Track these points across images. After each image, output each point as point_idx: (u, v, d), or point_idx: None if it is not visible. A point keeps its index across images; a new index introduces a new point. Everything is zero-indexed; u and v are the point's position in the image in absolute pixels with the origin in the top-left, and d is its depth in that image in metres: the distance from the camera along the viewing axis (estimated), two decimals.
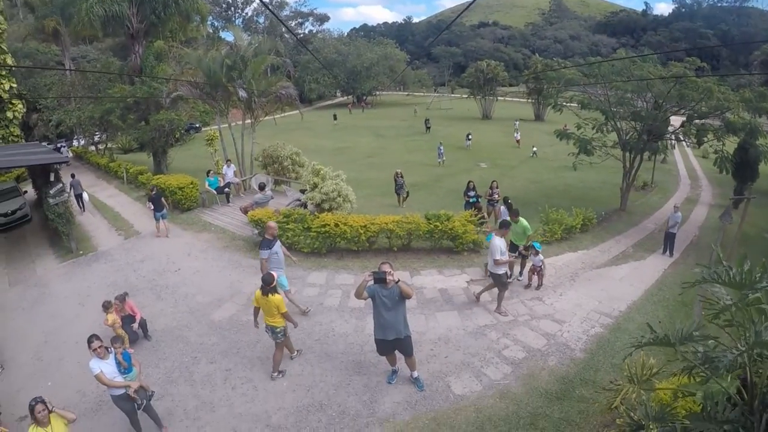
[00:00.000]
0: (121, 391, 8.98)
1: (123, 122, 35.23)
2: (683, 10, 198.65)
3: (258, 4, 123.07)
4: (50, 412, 7.66)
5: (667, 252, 21.06)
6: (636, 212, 28.01)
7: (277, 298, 10.67)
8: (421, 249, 18.65)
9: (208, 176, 25.74)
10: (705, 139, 25.42)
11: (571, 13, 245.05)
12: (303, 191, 22.15)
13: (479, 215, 19.89)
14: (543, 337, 12.90)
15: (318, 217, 18.08)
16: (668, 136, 27.10)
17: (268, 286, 10.62)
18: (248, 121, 30.10)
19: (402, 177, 27.73)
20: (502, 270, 13.60)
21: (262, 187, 21.44)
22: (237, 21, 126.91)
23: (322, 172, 21.14)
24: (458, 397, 10.46)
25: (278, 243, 13.34)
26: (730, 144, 26.77)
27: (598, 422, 9.82)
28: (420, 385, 10.77)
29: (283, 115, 57.11)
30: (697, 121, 25.71)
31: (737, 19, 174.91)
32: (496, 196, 22.91)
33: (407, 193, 28.10)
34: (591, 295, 15.67)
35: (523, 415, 10.00)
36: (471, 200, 22.78)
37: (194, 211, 24.37)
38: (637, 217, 27.07)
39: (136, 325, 12.74)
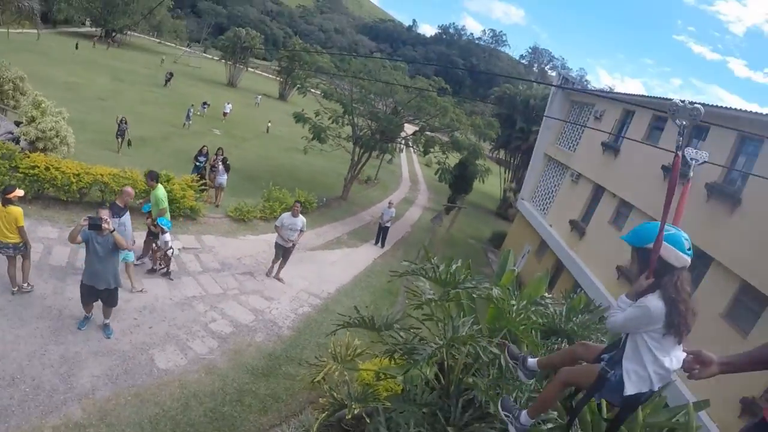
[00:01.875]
0: None
1: None
2: (444, 36, 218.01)
3: None
4: None
5: (379, 243, 22.83)
6: (356, 203, 29.58)
7: (16, 210, 10.36)
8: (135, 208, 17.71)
9: None
10: (431, 150, 27.65)
11: (344, 8, 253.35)
12: (18, 124, 20.00)
13: (202, 182, 19.60)
14: (251, 313, 13.12)
15: (28, 157, 16.01)
16: (399, 140, 29.02)
17: (6, 195, 10.21)
18: None
19: (126, 123, 27.23)
20: None
21: None
22: None
23: (43, 105, 19.29)
24: (162, 371, 10.14)
25: (127, 213, 11.89)
26: (453, 158, 29.46)
27: (304, 399, 10.25)
28: (108, 332, 10.61)
29: (20, 31, 51.77)
30: (428, 132, 27.88)
31: (488, 57, 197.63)
32: (220, 165, 22.59)
33: (129, 142, 27.68)
34: (302, 275, 16.25)
35: (229, 391, 10.06)
36: (198, 164, 22.33)
37: None
38: (356, 207, 28.78)
39: None
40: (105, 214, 9.63)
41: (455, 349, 6.57)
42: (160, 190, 13.20)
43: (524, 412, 4.53)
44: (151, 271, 13.59)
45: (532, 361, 4.87)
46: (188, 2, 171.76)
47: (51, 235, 14.29)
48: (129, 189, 12.21)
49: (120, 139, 27.34)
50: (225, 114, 50.89)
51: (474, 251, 29.33)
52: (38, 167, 15.49)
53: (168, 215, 13.52)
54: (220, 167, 21.06)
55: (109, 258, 9.85)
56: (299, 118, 28.21)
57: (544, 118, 29.75)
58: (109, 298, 10.35)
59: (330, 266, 17.69)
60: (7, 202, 10.29)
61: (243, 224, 19.49)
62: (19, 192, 10.76)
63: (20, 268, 10.96)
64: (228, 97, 59.06)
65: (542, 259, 24.97)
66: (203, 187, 19.41)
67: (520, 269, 25.43)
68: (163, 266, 13.71)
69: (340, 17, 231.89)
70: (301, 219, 15.54)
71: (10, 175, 15.31)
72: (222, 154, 22.05)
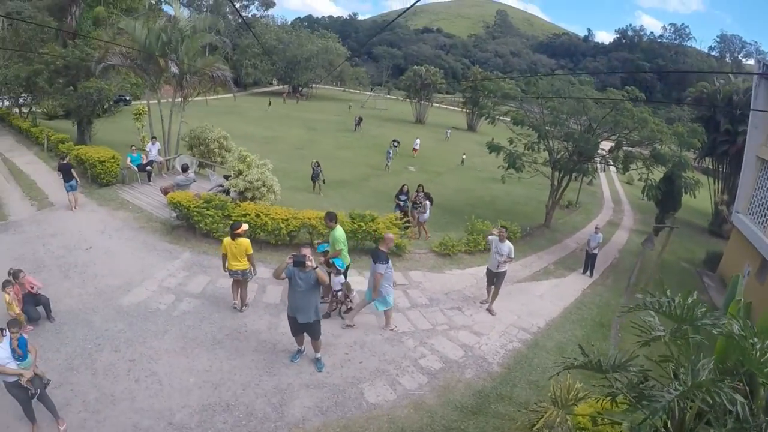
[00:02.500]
0: (14, 379, 8.28)
1: (50, 86, 33.41)
2: (624, 41, 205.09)
3: None
4: None
5: (588, 272, 21.37)
6: (560, 230, 28.39)
7: (245, 241, 12.47)
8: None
9: (130, 152, 24.68)
10: (632, 166, 25.92)
11: (515, 29, 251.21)
12: (227, 177, 21.37)
13: (405, 219, 19.70)
14: (461, 349, 12.74)
15: (239, 206, 17.53)
16: (597, 159, 27.53)
17: (235, 231, 12.40)
18: (179, 99, 29.09)
19: (319, 167, 30.22)
20: None
21: (185, 169, 20.63)
22: None
23: (248, 159, 20.48)
24: (371, 405, 10.13)
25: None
26: (658, 173, 27.40)
27: None
28: (320, 366, 10.98)
29: (216, 97, 56.07)
30: (626, 148, 26.22)
31: (674, 56, 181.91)
32: (426, 201, 22.62)
33: (323, 181, 30.46)
34: (511, 309, 15.64)
35: (437, 428, 9.78)
36: (400, 203, 22.49)
37: (113, 187, 23.16)
38: (560, 234, 27.47)
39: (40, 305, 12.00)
40: (308, 252, 9.98)
41: (691, 394, 5.82)
42: (339, 231, 13.08)
43: None
44: (326, 316, 12.80)
45: None
46: (364, 50, 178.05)
47: (264, 275, 15.18)
48: (390, 235, 13.15)
49: (315, 182, 30.17)
50: (415, 150, 51.51)
51: (687, 276, 26.65)
52: (249, 215, 16.92)
53: (347, 258, 13.44)
54: (426, 203, 21.18)
55: (311, 293, 10.24)
56: (493, 147, 27.65)
57: (750, 115, 26.44)
58: (312, 331, 10.70)
59: (538, 299, 16.97)
60: (236, 236, 12.35)
61: (448, 259, 19.22)
62: (245, 226, 12.84)
63: (241, 293, 13.07)
64: (417, 134, 60.11)
65: (766, 280, 21.97)
66: (407, 224, 19.49)
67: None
68: (334, 307, 13.49)
69: (514, 39, 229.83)
70: (508, 245, 15.10)
71: (224, 223, 16.92)
72: (423, 190, 22.16)
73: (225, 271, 12.84)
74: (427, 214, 21.24)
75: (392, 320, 13.27)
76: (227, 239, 12.50)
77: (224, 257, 12.63)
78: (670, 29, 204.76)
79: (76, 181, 20.06)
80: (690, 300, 6.06)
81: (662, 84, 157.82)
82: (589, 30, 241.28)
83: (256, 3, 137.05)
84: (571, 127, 26.94)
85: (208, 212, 17.32)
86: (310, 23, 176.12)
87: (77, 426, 9.01)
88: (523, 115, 27.78)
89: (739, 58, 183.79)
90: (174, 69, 26.23)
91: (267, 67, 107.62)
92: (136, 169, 24.22)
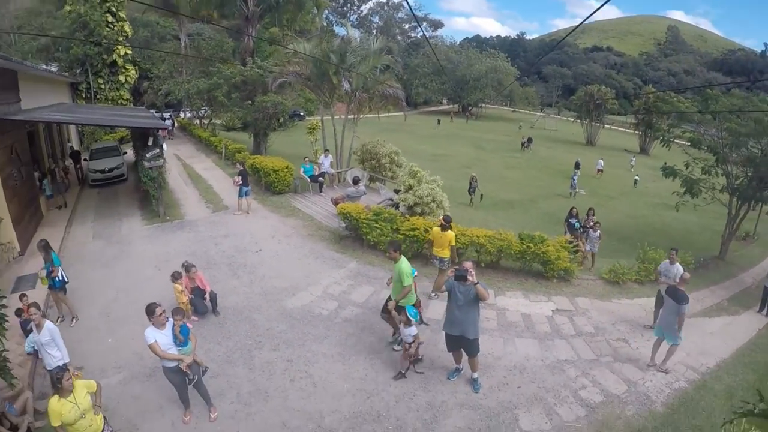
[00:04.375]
0: (173, 364, 8.74)
1: (228, 100, 35.79)
2: None
3: (374, 3, 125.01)
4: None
5: (765, 310, 19.43)
6: (735, 263, 26.36)
7: (451, 233, 14.39)
8: (510, 269, 17.89)
9: (304, 163, 25.74)
10: None
11: (688, 46, 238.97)
12: (397, 191, 21.83)
13: (575, 243, 19.06)
14: (624, 383, 12.01)
15: (408, 220, 17.67)
16: None
17: (448, 223, 14.22)
18: (351, 115, 29.96)
19: (476, 181, 32.38)
20: None
21: (356, 181, 21.22)
22: (352, 17, 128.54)
23: (419, 174, 20.66)
24: None
25: None
26: None
27: None
28: (476, 387, 10.76)
29: (387, 115, 57.34)
30: None
31: None
32: (592, 223, 21.82)
33: (481, 196, 32.29)
34: (680, 345, 14.72)
35: None
36: (574, 226, 21.85)
37: (285, 196, 24.49)
38: (736, 268, 25.33)
39: (207, 299, 12.73)
40: (470, 266, 9.83)
41: None
42: (404, 263, 11.20)
43: None
44: (399, 376, 10.98)
45: None
46: (533, 70, 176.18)
47: (428, 290, 15.31)
48: (687, 275, 13.20)
49: (472, 195, 32.12)
50: (600, 171, 51.27)
51: None
52: (418, 229, 17.08)
53: (414, 297, 11.51)
54: (592, 232, 20.37)
55: (469, 307, 10.02)
56: (668, 171, 26.19)
57: None
58: (469, 348, 10.48)
59: (709, 336, 15.72)
60: (446, 228, 14.17)
61: (617, 287, 18.31)
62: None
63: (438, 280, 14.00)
64: (585, 156, 58.56)
65: None
66: (576, 248, 18.84)
67: None
68: (408, 365, 11.09)
69: (687, 57, 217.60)
70: (678, 267, 14.51)
71: (392, 236, 17.12)
72: (593, 214, 21.51)
73: (430, 257, 15.05)
74: (595, 247, 20.40)
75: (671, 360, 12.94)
76: (437, 229, 14.50)
77: (431, 243, 14.79)
78: None
79: (249, 187, 21.29)
80: None
81: None
82: (766, 44, 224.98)
83: (425, 24, 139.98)
84: (752, 150, 25.05)
85: (376, 224, 17.69)
86: (478, 43, 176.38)
87: (228, 416, 9.46)
88: (700, 137, 26.19)
89: None
90: (346, 86, 27.10)
91: (437, 86, 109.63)
92: (309, 179, 25.28)
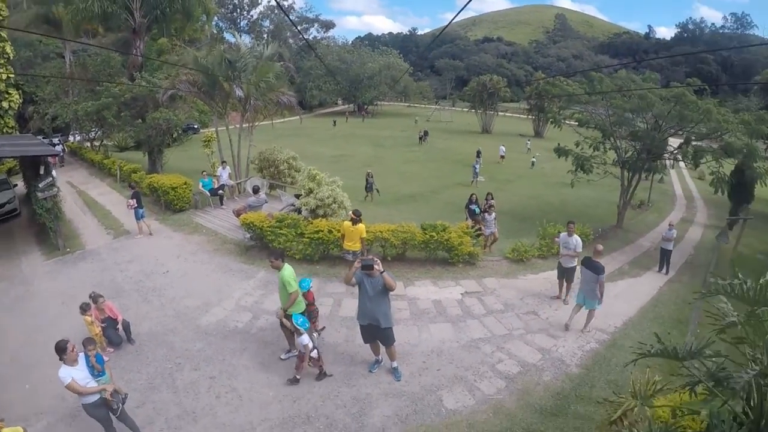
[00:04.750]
0: (95, 398, 8.54)
1: (118, 119, 34.64)
2: (685, 35, 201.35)
3: (264, 7, 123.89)
4: None
5: (663, 269, 20.97)
6: (632, 230, 27.81)
7: (361, 226, 15.38)
8: (416, 259, 18.28)
9: (201, 177, 25.39)
10: (702, 160, 25.19)
11: (575, 32, 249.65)
12: (298, 196, 21.67)
13: (476, 227, 19.61)
14: (538, 352, 12.58)
15: (311, 223, 17.75)
16: (666, 156, 26.87)
17: (358, 217, 15.28)
18: (246, 124, 29.72)
19: (372, 177, 32.50)
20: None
21: (256, 191, 21.01)
22: (242, 23, 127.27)
23: (318, 177, 20.65)
24: (450, 411, 10.11)
25: None
26: (727, 166, 26.54)
27: None
28: (397, 375, 11.05)
29: (282, 120, 57.16)
30: (695, 142, 25.50)
31: (737, 45, 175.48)
32: (491, 207, 22.59)
33: (377, 190, 32.24)
34: (599, 309, 15.41)
35: (517, 430, 9.69)
36: (474, 211, 22.38)
37: (186, 213, 24.06)
38: (633, 234, 26.97)
39: (120, 328, 12.43)
40: (376, 256, 10.33)
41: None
42: (286, 271, 10.82)
43: None
44: (292, 381, 10.82)
45: None
46: (426, 64, 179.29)
47: (338, 290, 15.59)
48: (601, 247, 14.28)
49: (369, 192, 32.14)
50: (502, 157, 53.33)
51: (765, 268, 25.50)
52: (322, 231, 17.20)
53: (301, 304, 11.30)
54: (489, 217, 20.58)
55: (379, 298, 10.23)
56: (560, 151, 27.47)
57: None
58: (384, 338, 10.72)
59: (614, 299, 16.46)
60: (356, 222, 15.24)
61: (521, 264, 19.02)
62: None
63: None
64: (482, 144, 60.17)
65: None
66: (479, 232, 19.38)
67: None
68: (314, 368, 10.94)
69: (575, 42, 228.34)
70: (576, 238, 15.34)
71: (297, 241, 17.37)
72: (492, 198, 22.15)
73: (342, 251, 16.34)
74: (493, 227, 20.59)
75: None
76: (348, 223, 15.55)
77: (343, 238, 15.86)
78: (731, 19, 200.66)
79: (142, 209, 21.07)
80: (762, 281, 5.87)
81: (727, 75, 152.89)
82: (649, 27, 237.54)
83: (316, 25, 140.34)
84: (637, 125, 26.38)
85: (281, 231, 17.73)
86: (370, 41, 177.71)
87: None
88: (588, 116, 27.44)
89: None
90: (239, 93, 26.66)
91: (331, 87, 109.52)
92: (208, 193, 24.95)
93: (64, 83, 42.61)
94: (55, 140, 47.44)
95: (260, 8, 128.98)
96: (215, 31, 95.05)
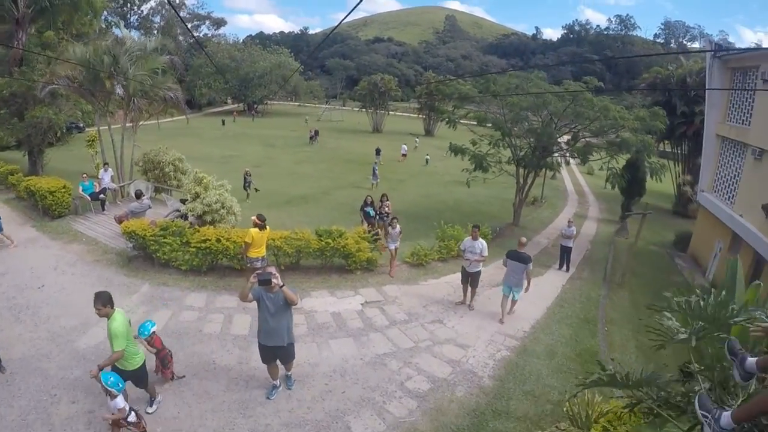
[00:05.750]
0: None
1: None
2: (571, 35, 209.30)
3: (155, 2, 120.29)
4: None
5: (564, 267, 21.15)
6: (528, 227, 28.23)
7: (268, 231, 14.84)
8: (311, 267, 17.41)
9: (82, 180, 23.42)
10: (590, 156, 25.71)
11: (465, 33, 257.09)
12: (184, 201, 20.31)
13: (373, 231, 18.95)
14: (448, 365, 11.98)
15: (198, 231, 16.45)
16: (559, 153, 27.26)
17: (263, 222, 14.44)
18: (129, 123, 27.97)
19: (250, 175, 32.27)
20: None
21: (138, 195, 19.58)
22: (132, 18, 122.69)
23: (204, 180, 19.33)
24: None
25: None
26: (620, 161, 27.28)
27: None
28: (290, 383, 10.54)
29: (171, 119, 55.36)
30: (586, 138, 26.04)
31: (622, 46, 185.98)
32: (387, 209, 22.23)
33: (255, 189, 32.20)
34: (492, 315, 14.99)
35: None
36: (369, 214, 21.79)
37: (65, 219, 22.01)
38: (530, 232, 27.28)
39: None
40: (273, 269, 9.28)
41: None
42: (116, 321, 8.74)
43: (726, 414, 4.08)
44: None
45: (750, 361, 4.46)
46: (316, 63, 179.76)
47: (229, 304, 14.29)
48: (524, 239, 15.21)
49: (248, 190, 31.74)
50: (404, 155, 54.48)
51: (659, 258, 26.92)
52: (209, 240, 15.88)
53: (136, 357, 9.19)
54: (394, 230, 18.05)
55: (281, 314, 9.47)
56: (456, 149, 27.15)
57: (706, 96, 26.37)
58: (285, 355, 10.06)
59: (519, 301, 16.32)
60: (263, 227, 14.45)
61: (422, 269, 18.53)
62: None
63: None
64: (373, 143, 60.49)
65: (738, 255, 21.55)
66: (376, 237, 18.69)
67: (713, 272, 22.99)
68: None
69: (463, 43, 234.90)
70: (481, 242, 15.07)
71: (183, 250, 15.94)
72: (387, 200, 21.65)
73: (246, 260, 14.99)
74: (396, 242, 18.14)
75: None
76: (255, 230, 14.27)
77: (247, 246, 14.45)
78: (615, 21, 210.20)
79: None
80: (720, 297, 5.53)
81: (611, 74, 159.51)
82: (536, 28, 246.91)
83: (207, 23, 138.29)
84: (531, 122, 26.64)
85: (165, 240, 16.26)
86: (261, 40, 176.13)
87: None
88: (485, 114, 27.45)
89: (684, 42, 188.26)
90: (119, 90, 25.00)
91: (221, 86, 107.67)
92: (89, 198, 23.07)
93: None
94: None
95: (151, 3, 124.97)
96: (104, 26, 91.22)
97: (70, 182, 22.97)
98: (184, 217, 19.14)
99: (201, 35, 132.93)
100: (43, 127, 29.72)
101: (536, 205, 36.13)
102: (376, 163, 41.37)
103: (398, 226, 17.94)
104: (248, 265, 14.69)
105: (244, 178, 31.76)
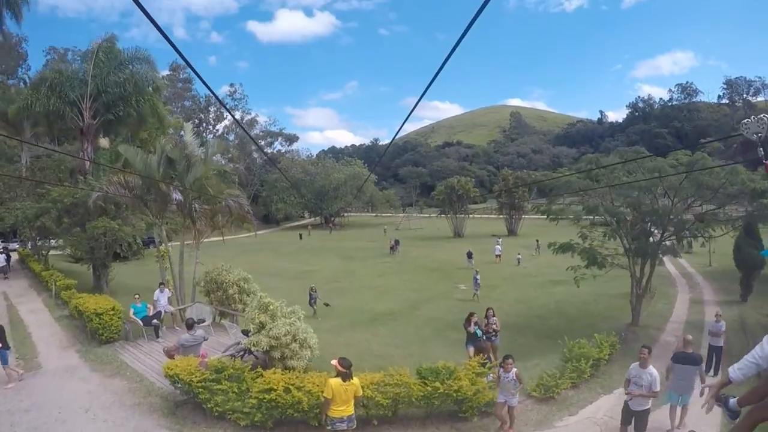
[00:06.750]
0: None
1: (58, 226, 31.95)
2: (636, 114, 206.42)
3: (230, 121, 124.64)
4: None
5: (712, 370, 17.00)
6: (649, 325, 24.36)
7: (356, 382, 10.44)
8: (413, 418, 13.05)
9: (134, 302, 20.85)
10: (713, 231, 23.17)
11: (531, 128, 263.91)
12: (246, 333, 16.75)
13: (484, 357, 14.82)
14: None
15: (261, 375, 12.57)
16: (686, 232, 23.41)
17: (349, 369, 10.27)
18: (190, 240, 25.87)
19: (316, 291, 30.64)
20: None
21: (190, 326, 16.03)
22: (208, 137, 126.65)
23: (271, 307, 15.60)
24: None
25: None
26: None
27: None
28: None
29: (247, 234, 54.64)
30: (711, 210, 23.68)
31: (688, 114, 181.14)
32: (495, 326, 18.56)
33: (325, 304, 30.64)
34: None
35: None
36: (477, 335, 17.96)
37: (114, 345, 19.27)
38: (654, 331, 23.42)
39: None
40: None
41: None
42: None
43: (733, 399, 5.04)
44: None
45: (733, 401, 5.10)
46: (390, 173, 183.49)
47: None
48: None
49: (314, 307, 29.86)
50: (498, 256, 51.62)
51: None
52: (275, 390, 11.93)
53: None
54: (507, 376, 13.54)
55: None
56: (564, 247, 23.85)
57: None
58: None
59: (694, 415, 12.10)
60: (348, 376, 10.24)
61: (554, 404, 14.08)
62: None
63: None
64: (455, 248, 58.90)
65: None
66: (486, 362, 14.23)
67: None
68: None
69: (531, 137, 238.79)
70: (652, 372, 10.78)
71: (242, 400, 12.12)
72: (493, 314, 18.60)
73: (325, 420, 10.46)
74: (513, 397, 12.73)
75: None
76: (336, 380, 10.14)
77: (328, 403, 10.19)
78: (677, 90, 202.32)
79: (8, 350, 16.33)
80: None
81: (683, 145, 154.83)
82: (601, 112, 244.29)
83: (280, 139, 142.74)
84: (648, 203, 23.62)
85: (219, 387, 12.56)
86: (334, 154, 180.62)
87: None
88: (594, 204, 24.31)
89: (748, 98, 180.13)
90: (176, 196, 22.94)
91: (296, 200, 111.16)
92: (141, 322, 20.36)
93: (13, 186, 41.87)
94: (3, 245, 45.74)
95: (225, 122, 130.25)
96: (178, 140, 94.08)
97: (119, 303, 20.28)
98: (248, 351, 15.72)
99: (274, 151, 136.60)
100: (106, 240, 28.58)
101: (647, 298, 31.57)
102: (476, 271, 36.99)
103: (513, 368, 12.10)
104: (329, 427, 10.36)
105: (310, 294, 30.28)
